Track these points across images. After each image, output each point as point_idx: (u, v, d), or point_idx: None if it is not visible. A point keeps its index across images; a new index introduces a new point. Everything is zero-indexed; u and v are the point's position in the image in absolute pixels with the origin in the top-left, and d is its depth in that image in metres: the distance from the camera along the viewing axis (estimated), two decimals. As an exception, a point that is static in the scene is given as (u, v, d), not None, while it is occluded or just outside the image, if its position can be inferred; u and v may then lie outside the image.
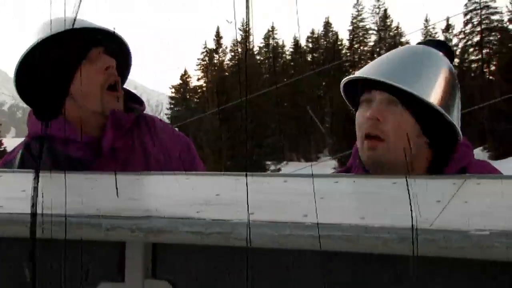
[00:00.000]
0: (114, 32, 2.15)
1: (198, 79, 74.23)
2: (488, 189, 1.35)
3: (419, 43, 2.15)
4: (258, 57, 72.47)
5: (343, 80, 2.07)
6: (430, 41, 2.13)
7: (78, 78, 2.13)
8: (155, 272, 1.34)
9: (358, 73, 2.03)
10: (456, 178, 1.44)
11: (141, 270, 1.32)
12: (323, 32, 77.00)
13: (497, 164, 2.20)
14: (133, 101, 2.35)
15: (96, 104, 2.14)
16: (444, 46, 2.10)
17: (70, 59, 2.12)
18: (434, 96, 1.91)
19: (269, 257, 1.25)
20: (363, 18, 75.60)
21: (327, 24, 76.92)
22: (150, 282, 1.33)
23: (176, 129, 2.54)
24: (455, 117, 1.96)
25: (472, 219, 1.12)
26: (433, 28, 66.56)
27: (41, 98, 2.22)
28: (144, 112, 2.36)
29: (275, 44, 75.98)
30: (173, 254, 1.33)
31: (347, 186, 1.53)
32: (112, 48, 2.21)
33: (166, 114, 69.91)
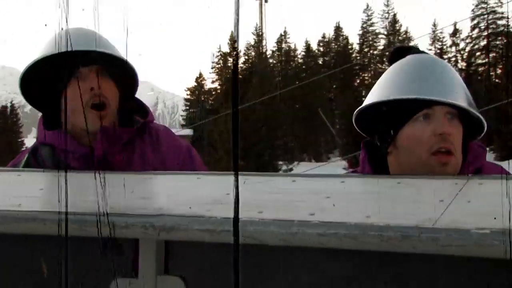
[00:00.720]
0: (110, 54, 2.19)
1: (213, 82, 74.33)
2: (491, 189, 1.35)
3: (398, 51, 2.13)
4: (271, 60, 72.40)
5: (367, 105, 2.03)
6: (406, 48, 2.14)
7: (67, 95, 2.18)
8: (167, 268, 1.35)
9: (384, 97, 1.98)
10: (459, 179, 1.43)
11: (154, 267, 1.33)
12: (334, 36, 76.85)
13: (503, 165, 2.18)
14: (140, 112, 2.38)
15: (81, 121, 2.15)
16: (418, 51, 2.12)
17: (61, 77, 2.17)
18: (468, 102, 1.92)
19: (277, 254, 1.25)
20: (372, 23, 75.41)
21: (338, 29, 76.73)
22: (163, 278, 1.34)
23: (180, 138, 2.53)
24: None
25: (474, 218, 1.12)
26: (441, 32, 66.28)
27: (41, 109, 2.32)
28: (154, 119, 2.40)
29: (287, 48, 75.91)
30: (185, 251, 1.34)
31: (353, 186, 1.53)
32: (114, 66, 2.25)
33: (181, 115, 70.00)
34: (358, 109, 2.04)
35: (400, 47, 2.18)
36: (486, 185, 1.38)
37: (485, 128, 1.97)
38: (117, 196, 1.38)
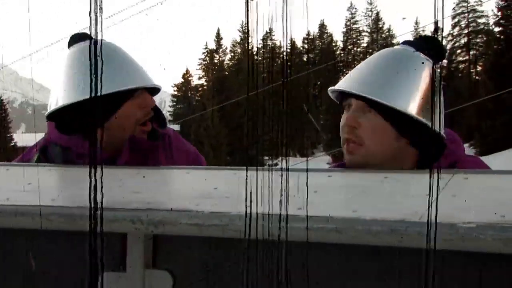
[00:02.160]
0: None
1: (199, 78, 74.33)
2: (475, 183, 1.34)
3: (408, 42, 2.13)
4: (256, 57, 72.14)
5: (329, 89, 2.09)
6: (420, 39, 2.14)
7: (119, 112, 2.21)
8: (155, 262, 1.33)
9: (339, 84, 2.05)
10: (445, 173, 1.43)
11: (142, 261, 1.31)
12: (318, 34, 76.99)
13: (485, 160, 2.18)
14: (159, 121, 2.38)
15: (127, 135, 2.21)
16: (433, 42, 2.09)
17: (118, 99, 2.19)
18: (405, 99, 1.90)
19: (265, 249, 1.24)
20: (356, 21, 75.67)
21: (322, 26, 76.91)
22: (151, 272, 1.32)
23: (188, 143, 2.53)
24: (437, 116, 1.94)
25: (460, 212, 1.11)
26: (423, 30, 66.49)
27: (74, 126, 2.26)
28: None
29: (272, 45, 75.74)
30: (173, 245, 1.32)
31: (340, 180, 1.52)
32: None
33: (168, 111, 70.00)
34: (329, 89, 2.10)
35: (425, 37, 2.18)
36: (471, 179, 1.37)
37: (437, 130, 1.94)
38: (106, 190, 1.36)
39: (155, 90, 2.33)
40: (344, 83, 2.02)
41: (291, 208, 1.19)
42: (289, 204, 1.23)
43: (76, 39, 2.28)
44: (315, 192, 1.32)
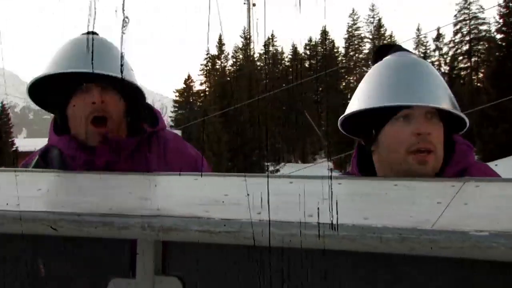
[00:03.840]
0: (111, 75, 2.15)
1: (201, 84, 74.44)
2: (487, 192, 1.34)
3: (378, 52, 2.14)
4: (258, 63, 72.45)
5: (352, 112, 2.03)
6: (387, 47, 2.15)
7: (70, 106, 2.22)
8: (165, 268, 1.33)
9: (366, 103, 1.98)
10: (456, 181, 1.42)
11: (152, 267, 1.31)
12: (320, 40, 77.05)
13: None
14: (152, 120, 2.37)
15: (81, 134, 2.20)
16: (405, 50, 2.12)
17: (67, 89, 2.20)
18: (448, 101, 1.93)
19: (275, 255, 1.24)
20: (358, 27, 75.78)
21: (324, 32, 76.96)
22: (160, 278, 1.32)
23: (190, 147, 2.50)
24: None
25: (472, 220, 1.11)
26: (425, 37, 66.71)
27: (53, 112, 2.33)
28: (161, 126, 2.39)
29: (274, 51, 76.00)
30: (183, 251, 1.32)
31: (351, 188, 1.52)
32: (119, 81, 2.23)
33: (170, 116, 70.03)
34: (342, 116, 2.05)
35: (382, 46, 2.18)
36: (483, 187, 1.37)
37: (467, 124, 1.99)
38: (116, 197, 1.36)
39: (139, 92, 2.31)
40: (377, 98, 1.96)
41: (301, 215, 1.19)
42: (299, 211, 1.23)
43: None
44: (325, 199, 1.32)
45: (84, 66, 2.11)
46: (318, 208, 1.19)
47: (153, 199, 1.39)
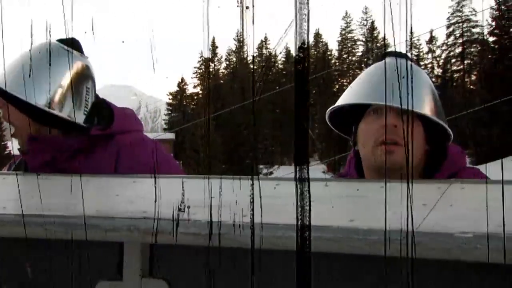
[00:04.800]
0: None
1: (195, 87, 74.41)
2: (472, 193, 1.35)
3: (383, 56, 2.16)
4: (251, 66, 72.27)
5: (334, 107, 2.07)
6: (390, 53, 2.16)
7: None
8: (152, 271, 1.33)
9: (352, 98, 2.01)
10: (441, 183, 1.43)
11: (139, 269, 1.31)
12: (313, 43, 77.17)
13: (480, 169, 2.19)
14: (108, 122, 2.36)
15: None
16: (404, 57, 2.13)
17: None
18: (430, 107, 1.95)
19: (263, 258, 1.24)
20: (351, 30, 75.88)
21: (317, 35, 77.08)
22: (147, 281, 1.32)
23: (160, 154, 2.47)
24: (445, 121, 2.00)
25: (457, 222, 1.11)
26: (418, 39, 66.79)
27: None
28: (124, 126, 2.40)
29: (267, 54, 76.07)
30: (170, 254, 1.32)
31: (337, 190, 1.52)
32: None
33: (164, 119, 70.01)
34: (329, 109, 2.08)
35: (388, 52, 2.20)
36: (468, 189, 1.38)
37: (451, 134, 2.00)
38: (102, 199, 1.36)
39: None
40: (360, 95, 2.00)
41: (288, 218, 1.19)
42: (287, 214, 1.23)
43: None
44: (312, 201, 1.32)
45: (13, 83, 2.17)
46: (303, 210, 1.19)
47: (140, 202, 1.39)
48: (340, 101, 2.04)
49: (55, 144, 2.25)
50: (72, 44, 2.30)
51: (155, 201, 1.29)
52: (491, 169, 1.81)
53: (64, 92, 2.23)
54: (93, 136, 2.29)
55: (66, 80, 2.23)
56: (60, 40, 2.29)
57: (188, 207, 1.28)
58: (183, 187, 1.37)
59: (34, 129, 2.26)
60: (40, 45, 2.24)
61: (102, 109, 2.36)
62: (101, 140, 2.30)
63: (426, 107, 1.95)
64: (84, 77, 2.32)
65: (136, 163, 2.28)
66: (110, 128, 2.32)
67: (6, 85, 2.16)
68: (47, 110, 2.19)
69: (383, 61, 2.09)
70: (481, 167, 2.09)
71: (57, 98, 2.22)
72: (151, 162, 2.33)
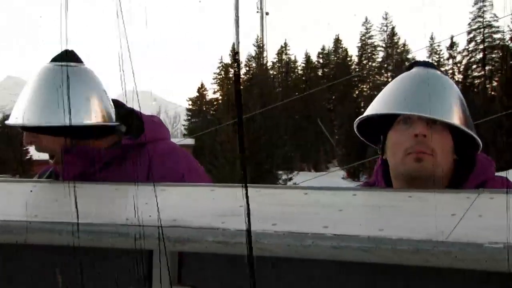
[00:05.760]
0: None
1: (214, 92, 74.60)
2: (502, 203, 1.34)
3: (410, 66, 2.16)
4: (271, 72, 72.52)
5: (363, 117, 2.06)
6: (418, 62, 2.15)
7: None
8: (180, 278, 1.34)
9: (383, 108, 2.01)
10: (470, 193, 1.43)
11: (167, 277, 1.32)
12: (333, 48, 77.02)
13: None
14: (139, 132, 2.39)
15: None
16: (432, 66, 2.13)
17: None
18: (458, 116, 1.94)
19: (291, 266, 1.25)
20: (371, 36, 75.65)
21: (337, 41, 76.96)
22: (176, 288, 1.33)
23: (187, 161, 2.49)
24: (474, 131, 1.99)
25: (486, 232, 1.11)
26: (438, 45, 66.47)
27: None
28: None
29: (287, 60, 76.04)
30: (198, 261, 1.33)
31: (365, 199, 1.53)
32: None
33: (183, 125, 70.23)
34: (358, 118, 2.08)
35: (415, 62, 2.20)
36: (497, 199, 1.37)
37: (480, 144, 2.00)
38: (132, 207, 1.37)
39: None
40: (390, 105, 2.00)
41: (316, 227, 1.20)
42: (314, 223, 1.23)
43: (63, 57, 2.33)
44: (340, 210, 1.33)
45: (43, 116, 2.21)
46: (333, 219, 1.20)
47: (169, 210, 1.40)
48: (369, 111, 2.03)
49: (88, 156, 2.28)
50: (71, 57, 2.32)
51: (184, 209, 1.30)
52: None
53: (89, 102, 2.26)
54: (125, 146, 2.31)
55: (85, 92, 2.28)
56: (54, 59, 2.32)
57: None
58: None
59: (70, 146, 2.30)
60: (44, 70, 2.29)
61: (131, 119, 2.38)
62: (132, 150, 2.33)
63: (455, 117, 1.95)
64: (97, 83, 2.34)
65: (168, 171, 2.30)
66: (142, 137, 2.35)
67: (39, 118, 2.20)
68: (87, 124, 2.24)
69: (411, 70, 2.09)
70: (503, 174, 2.08)
71: (86, 110, 2.25)
72: (182, 171, 2.36)
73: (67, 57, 2.31)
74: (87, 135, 2.30)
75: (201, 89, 73.05)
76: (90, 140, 2.31)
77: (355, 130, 2.11)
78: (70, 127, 2.23)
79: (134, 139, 2.34)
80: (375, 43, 75.61)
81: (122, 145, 2.33)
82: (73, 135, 2.28)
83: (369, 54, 75.47)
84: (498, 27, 63.40)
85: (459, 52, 66.25)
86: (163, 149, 2.40)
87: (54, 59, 2.31)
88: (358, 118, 2.08)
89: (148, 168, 2.30)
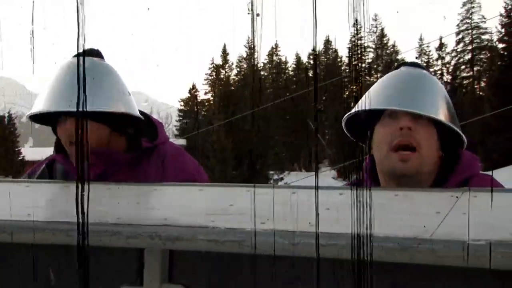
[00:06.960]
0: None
1: (206, 93, 74.55)
2: (485, 201, 1.36)
3: (398, 66, 2.18)
4: (262, 73, 72.52)
5: (351, 113, 2.08)
6: (406, 63, 2.18)
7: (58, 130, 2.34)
8: (171, 277, 1.35)
9: (370, 104, 2.03)
10: (455, 191, 1.44)
11: (159, 275, 1.33)
12: (323, 50, 77.08)
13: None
14: (152, 133, 2.41)
15: (71, 152, 2.29)
16: (419, 66, 2.16)
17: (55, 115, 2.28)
18: (443, 113, 1.97)
19: (279, 264, 1.26)
20: (361, 37, 75.65)
21: (327, 42, 77.03)
22: (167, 286, 1.34)
23: (192, 161, 2.53)
24: (459, 128, 2.02)
25: (470, 229, 1.12)
26: (427, 46, 66.70)
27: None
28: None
29: (278, 61, 76.10)
30: (189, 260, 1.34)
31: (351, 198, 1.54)
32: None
33: (175, 125, 70.12)
34: (346, 115, 2.10)
35: (403, 63, 2.22)
36: (481, 197, 1.39)
37: (465, 141, 2.02)
38: (124, 207, 1.38)
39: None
40: (376, 101, 2.01)
41: (302, 225, 1.21)
42: (300, 221, 1.24)
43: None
44: (327, 209, 1.34)
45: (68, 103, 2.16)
46: (320, 218, 1.21)
47: (160, 209, 1.42)
48: (357, 108, 2.05)
49: (108, 158, 2.29)
50: (98, 54, 2.34)
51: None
52: (499, 174, 1.83)
53: (121, 94, 2.29)
54: (145, 149, 2.36)
55: (117, 84, 2.31)
56: (78, 54, 2.32)
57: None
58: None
59: (106, 137, 2.31)
60: (70, 63, 2.26)
61: (147, 121, 2.42)
62: (146, 152, 2.37)
63: (440, 113, 1.97)
64: (121, 78, 2.37)
65: (180, 171, 2.36)
66: (158, 139, 2.40)
67: (84, 104, 2.19)
68: (128, 113, 2.28)
69: (399, 69, 2.12)
70: (488, 173, 2.10)
71: (122, 101, 2.28)
72: (191, 170, 2.40)
73: (97, 54, 2.35)
74: (121, 126, 2.34)
75: (193, 90, 72.97)
76: (123, 131, 2.35)
77: (343, 127, 2.13)
78: (113, 115, 2.25)
79: (151, 141, 2.39)
80: (365, 44, 75.71)
81: (144, 148, 2.36)
82: (111, 124, 2.31)
83: (359, 55, 75.51)
84: (486, 28, 63.74)
85: (448, 53, 66.50)
86: (172, 150, 2.46)
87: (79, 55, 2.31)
88: (346, 114, 2.10)
89: (162, 169, 2.35)
